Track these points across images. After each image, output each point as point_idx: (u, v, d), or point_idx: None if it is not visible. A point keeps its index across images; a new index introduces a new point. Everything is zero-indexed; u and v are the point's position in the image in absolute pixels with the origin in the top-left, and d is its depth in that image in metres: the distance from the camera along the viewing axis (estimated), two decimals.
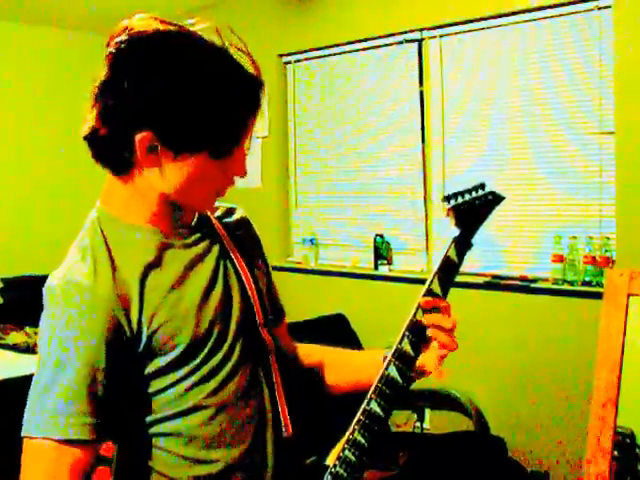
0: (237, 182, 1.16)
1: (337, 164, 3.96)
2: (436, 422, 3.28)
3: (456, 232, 1.15)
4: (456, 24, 3.34)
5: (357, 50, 3.79)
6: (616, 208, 2.84)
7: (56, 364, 1.01)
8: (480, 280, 3.20)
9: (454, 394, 3.11)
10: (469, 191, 1.19)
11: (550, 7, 3.01)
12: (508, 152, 3.23)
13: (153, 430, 1.10)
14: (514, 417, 3.09)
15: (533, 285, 3.06)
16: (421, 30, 3.47)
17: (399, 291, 3.48)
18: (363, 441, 1.12)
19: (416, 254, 3.57)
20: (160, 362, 1.06)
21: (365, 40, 3.72)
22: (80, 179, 4.84)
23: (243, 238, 1.26)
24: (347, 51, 3.83)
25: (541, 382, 3.02)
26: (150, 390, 1.08)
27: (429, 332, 1.13)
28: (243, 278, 1.18)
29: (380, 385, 1.12)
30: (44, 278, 3.61)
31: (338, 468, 1.13)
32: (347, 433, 1.13)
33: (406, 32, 3.52)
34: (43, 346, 1.03)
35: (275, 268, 1.41)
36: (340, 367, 1.35)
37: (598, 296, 2.40)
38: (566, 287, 2.95)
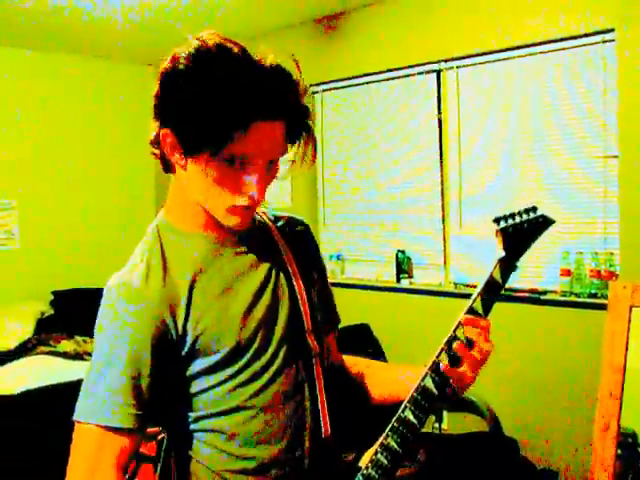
0: (270, 201, 1.14)
1: (362, 186, 4.01)
2: (453, 423, 3.28)
3: (502, 254, 1.13)
4: (471, 56, 3.42)
5: (380, 80, 3.86)
6: (619, 226, 2.89)
7: (106, 358, 1.06)
8: None
9: (470, 398, 3.12)
10: (519, 214, 1.15)
11: (558, 40, 3.08)
12: (520, 174, 3.27)
13: (195, 426, 1.12)
14: (525, 419, 3.10)
15: (543, 297, 3.11)
16: (439, 62, 3.55)
17: (419, 303, 3.51)
18: (396, 447, 1.10)
19: (435, 268, 3.61)
20: (204, 364, 1.08)
21: (388, 71, 3.79)
22: (126, 197, 5.08)
23: (301, 249, 1.25)
24: (371, 81, 3.89)
25: (550, 387, 3.04)
26: (193, 390, 1.10)
27: (468, 350, 1.11)
28: (295, 287, 1.18)
29: (415, 395, 1.11)
30: (91, 291, 4.06)
31: (370, 470, 1.12)
32: (381, 438, 1.12)
33: (425, 64, 3.60)
34: (97, 340, 1.08)
35: None
36: (382, 378, 1.31)
37: (603, 307, 2.44)
38: (573, 299, 2.99)
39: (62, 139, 4.81)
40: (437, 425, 3.35)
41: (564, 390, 2.99)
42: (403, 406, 1.12)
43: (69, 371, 3.51)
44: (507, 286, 3.51)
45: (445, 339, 1.12)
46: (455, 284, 3.50)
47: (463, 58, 3.47)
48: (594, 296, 2.95)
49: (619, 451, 2.25)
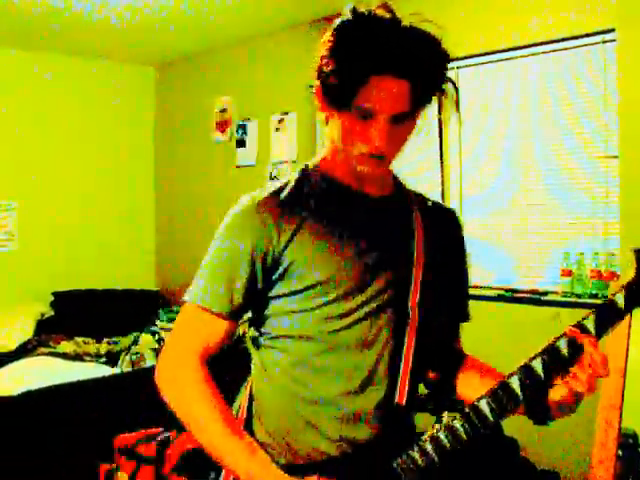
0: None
1: None
2: None
3: (631, 277, 1.08)
4: (472, 56, 3.41)
5: None
6: (620, 226, 2.90)
7: (214, 252, 1.23)
8: (494, 293, 3.25)
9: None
10: None
11: (559, 41, 3.09)
12: (520, 174, 3.29)
13: (269, 342, 1.23)
14: (526, 419, 3.06)
15: (543, 297, 3.11)
16: None
17: None
18: (460, 430, 1.10)
19: None
20: (289, 288, 1.18)
21: None
22: (126, 199, 5.12)
23: (438, 232, 1.30)
24: None
25: None
26: (275, 310, 1.21)
27: (574, 367, 1.08)
28: (414, 257, 1.23)
29: (497, 389, 1.11)
30: (90, 292, 4.09)
31: (427, 444, 1.11)
32: (449, 418, 1.12)
33: None
34: (216, 235, 1.24)
35: None
36: (480, 381, 1.30)
37: None
38: (574, 299, 3.00)
39: (62, 140, 4.84)
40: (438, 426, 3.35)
41: None
42: (482, 395, 1.12)
43: (69, 372, 3.55)
44: (507, 287, 3.47)
45: (544, 346, 1.10)
46: None
47: (463, 58, 3.46)
48: (595, 296, 2.95)
49: (620, 452, 2.23)
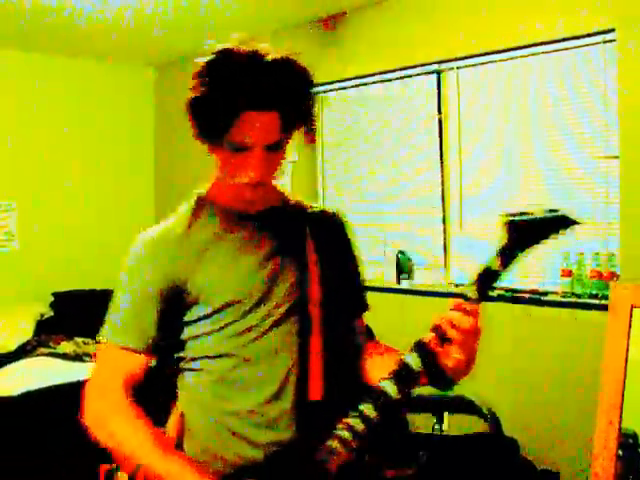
0: None
1: (362, 186, 4.02)
2: (454, 425, 3.25)
3: (503, 244, 1.16)
4: (472, 57, 3.41)
5: (381, 81, 3.86)
6: (620, 226, 2.89)
7: (122, 291, 1.30)
8: (494, 293, 3.20)
9: (470, 399, 3.03)
10: (535, 211, 1.18)
11: (559, 41, 3.07)
12: (520, 174, 3.28)
13: (190, 365, 1.30)
14: (526, 420, 3.11)
15: (543, 298, 3.11)
16: (439, 63, 3.55)
17: (420, 303, 3.50)
18: (370, 414, 1.16)
19: (435, 269, 3.63)
20: (203, 311, 1.26)
21: (388, 72, 3.79)
22: (126, 199, 5.11)
23: (326, 235, 1.39)
24: (371, 82, 3.90)
25: (551, 387, 3.04)
26: (191, 333, 1.28)
27: (448, 330, 1.16)
28: (308, 262, 1.32)
29: (396, 369, 1.18)
30: (90, 292, 4.07)
31: (344, 432, 1.17)
32: (358, 406, 1.17)
33: (425, 64, 3.60)
34: (121, 274, 1.31)
35: None
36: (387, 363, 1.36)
37: (604, 308, 2.44)
38: (574, 300, 2.99)
39: (62, 141, 4.83)
40: (438, 427, 3.34)
41: (565, 391, 3.00)
42: (384, 377, 1.19)
43: (69, 372, 3.53)
44: (508, 287, 3.48)
45: (433, 322, 1.19)
46: (456, 285, 3.50)
47: (463, 59, 3.47)
48: (595, 297, 2.95)
49: (620, 452, 2.23)
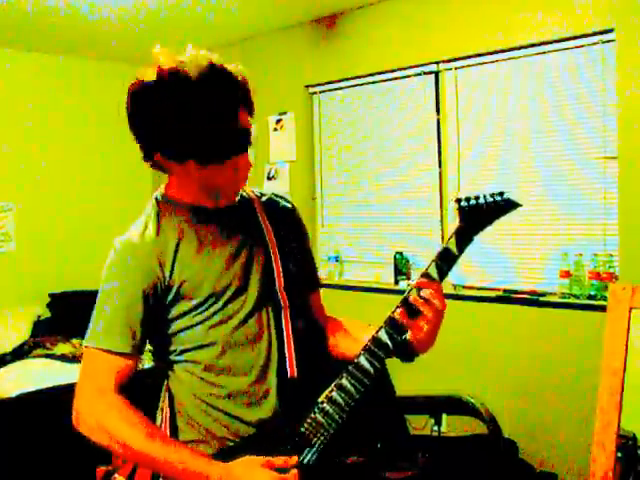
0: None
1: (360, 187, 4.01)
2: (452, 426, 3.29)
3: (457, 226, 1.29)
4: (470, 57, 3.41)
5: (379, 81, 3.86)
6: (618, 227, 2.89)
7: (106, 296, 1.33)
8: (493, 294, 3.25)
9: (469, 400, 3.08)
10: (484, 196, 1.29)
11: (557, 41, 3.08)
12: (519, 175, 3.27)
13: (179, 357, 1.37)
14: (525, 421, 3.10)
15: (542, 299, 3.11)
16: (438, 63, 3.55)
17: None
18: (350, 387, 1.28)
19: None
20: (185, 307, 1.33)
21: (386, 72, 3.79)
22: (123, 200, 5.08)
23: (280, 220, 1.49)
24: (369, 82, 3.89)
25: (550, 389, 3.04)
26: (177, 328, 1.35)
27: (420, 307, 1.26)
28: (270, 250, 1.42)
29: (370, 344, 1.29)
30: (87, 293, 4.02)
31: (326, 405, 1.28)
32: (337, 378, 1.29)
33: (424, 64, 3.60)
34: (102, 281, 1.35)
35: None
36: (353, 337, 1.49)
37: (602, 309, 2.42)
38: (572, 301, 3.00)
39: (60, 141, 4.81)
40: (436, 428, 3.34)
41: (563, 392, 3.00)
42: (358, 353, 1.29)
43: (65, 374, 3.51)
44: (506, 287, 3.45)
45: (401, 299, 1.28)
46: (454, 286, 3.50)
47: (462, 59, 3.47)
48: (593, 298, 2.96)
49: (619, 453, 2.23)
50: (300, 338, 1.41)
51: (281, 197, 1.57)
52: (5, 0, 3.61)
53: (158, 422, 1.43)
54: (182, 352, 1.37)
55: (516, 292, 3.21)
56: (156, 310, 1.33)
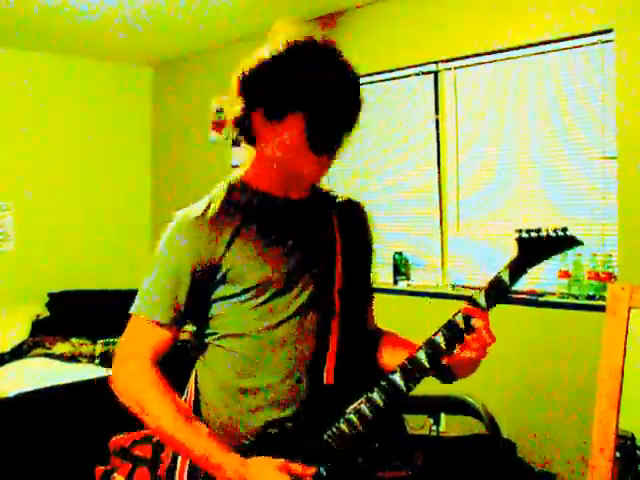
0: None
1: (358, 187, 4.00)
2: (451, 426, 3.28)
3: (513, 258, 1.26)
4: (469, 57, 3.41)
5: (377, 81, 3.85)
6: (617, 227, 2.89)
7: (156, 266, 1.35)
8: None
9: (468, 400, 3.04)
10: (546, 229, 1.30)
11: (556, 41, 3.07)
12: (518, 175, 3.27)
13: (214, 341, 1.36)
14: (523, 421, 3.11)
15: (541, 299, 3.10)
16: (437, 63, 3.54)
17: (417, 304, 3.51)
18: (380, 402, 1.24)
19: (432, 270, 3.62)
20: (229, 291, 1.32)
21: (385, 72, 3.78)
22: (122, 200, 5.11)
23: (352, 224, 1.47)
24: (368, 82, 3.86)
25: (548, 389, 3.04)
26: (218, 311, 1.34)
27: (467, 336, 1.22)
28: (335, 251, 1.38)
29: (406, 362, 1.25)
30: (86, 292, 4.06)
31: (352, 416, 1.25)
32: (367, 393, 1.26)
33: (423, 64, 3.59)
34: (156, 253, 1.37)
35: None
36: (398, 351, 1.43)
37: (601, 309, 2.43)
38: (571, 301, 2.99)
39: (58, 140, 4.82)
40: (435, 428, 3.34)
41: (562, 392, 3.00)
42: (394, 369, 1.26)
43: (65, 373, 3.54)
44: None
45: (447, 321, 1.24)
46: (453, 286, 3.50)
47: (461, 59, 3.46)
48: (592, 298, 2.95)
49: (618, 454, 2.23)
50: (346, 347, 1.36)
51: (357, 203, 1.55)
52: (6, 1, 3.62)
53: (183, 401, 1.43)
54: (220, 337, 1.35)
55: (515, 292, 3.19)
56: (202, 288, 1.33)
